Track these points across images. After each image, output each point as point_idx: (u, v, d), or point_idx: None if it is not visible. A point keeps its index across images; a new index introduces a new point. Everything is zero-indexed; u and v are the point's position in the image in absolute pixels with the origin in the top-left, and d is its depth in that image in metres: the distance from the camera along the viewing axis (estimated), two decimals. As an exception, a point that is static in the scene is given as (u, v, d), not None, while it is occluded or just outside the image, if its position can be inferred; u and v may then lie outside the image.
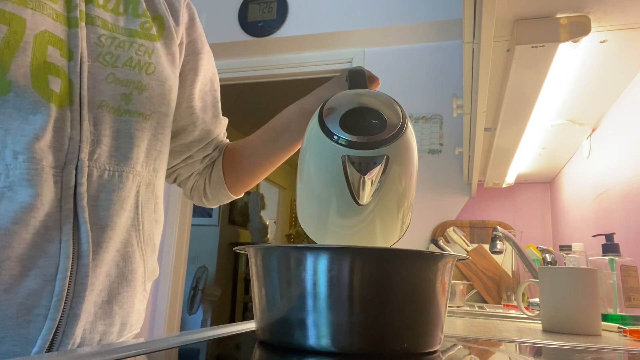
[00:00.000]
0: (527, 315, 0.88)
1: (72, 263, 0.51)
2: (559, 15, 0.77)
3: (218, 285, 4.48)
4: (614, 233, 1.00)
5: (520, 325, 0.88)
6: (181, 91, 0.71)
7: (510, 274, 1.87)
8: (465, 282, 1.54)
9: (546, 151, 1.61)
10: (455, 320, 0.94)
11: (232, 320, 4.78)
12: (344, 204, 0.46)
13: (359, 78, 0.58)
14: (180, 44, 0.70)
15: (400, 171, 0.46)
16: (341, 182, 0.44)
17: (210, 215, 4.65)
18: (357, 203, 0.45)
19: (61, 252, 0.51)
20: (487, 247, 1.89)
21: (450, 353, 0.45)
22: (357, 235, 0.49)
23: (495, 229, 1.42)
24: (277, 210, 5.72)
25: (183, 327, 4.07)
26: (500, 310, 1.29)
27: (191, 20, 0.73)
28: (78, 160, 0.53)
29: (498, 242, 1.41)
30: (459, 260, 0.45)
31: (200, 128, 0.74)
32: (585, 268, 0.76)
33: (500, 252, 1.40)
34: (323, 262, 0.39)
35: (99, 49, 0.57)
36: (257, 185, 5.16)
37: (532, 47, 0.80)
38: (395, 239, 0.51)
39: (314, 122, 0.48)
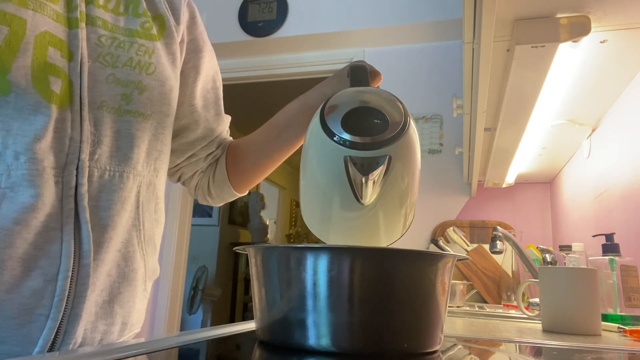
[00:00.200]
0: (527, 315, 0.88)
1: (73, 263, 0.52)
2: (559, 15, 0.77)
3: (218, 285, 4.48)
4: (614, 233, 1.01)
5: (520, 325, 0.88)
6: (183, 90, 0.71)
7: (510, 274, 1.87)
8: (465, 282, 1.54)
9: (546, 151, 1.61)
10: (455, 320, 0.94)
11: (232, 320, 4.78)
12: (347, 202, 0.46)
13: (360, 74, 0.57)
14: (181, 42, 0.70)
15: (403, 169, 0.46)
16: (343, 181, 0.44)
17: (210, 215, 4.65)
18: (360, 203, 0.45)
19: (62, 252, 0.51)
20: (487, 247, 1.89)
21: (450, 353, 0.45)
22: (360, 230, 0.49)
23: (495, 229, 1.43)
24: (277, 210, 5.72)
25: (183, 327, 4.08)
26: (500, 310, 1.29)
27: (192, 18, 0.73)
28: (79, 160, 0.53)
29: (498, 242, 1.41)
30: (459, 260, 0.45)
31: (203, 126, 0.74)
32: (585, 268, 0.76)
33: (500, 252, 1.40)
34: (323, 262, 0.39)
35: (99, 49, 0.57)
36: (257, 185, 5.16)
37: (532, 47, 0.80)
38: (398, 235, 0.51)
39: (315, 121, 0.48)
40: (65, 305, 0.51)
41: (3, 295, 0.48)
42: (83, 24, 0.57)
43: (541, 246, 1.41)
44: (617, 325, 0.81)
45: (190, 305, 4.18)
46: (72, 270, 0.52)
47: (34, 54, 0.51)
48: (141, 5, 0.65)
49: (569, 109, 1.24)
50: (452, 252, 0.67)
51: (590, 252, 1.18)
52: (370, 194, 0.44)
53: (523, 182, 2.09)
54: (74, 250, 0.52)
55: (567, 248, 1.25)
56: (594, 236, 1.16)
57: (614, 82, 1.07)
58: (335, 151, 0.44)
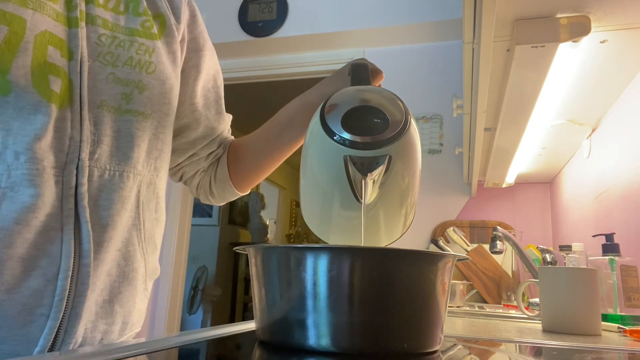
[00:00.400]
0: (527, 315, 0.88)
1: (73, 262, 0.52)
2: (559, 15, 0.77)
3: (218, 285, 4.48)
4: (614, 233, 1.01)
5: (520, 325, 0.88)
6: (183, 89, 0.71)
7: (510, 274, 1.87)
8: (465, 282, 1.54)
9: (546, 151, 1.61)
10: (455, 320, 0.94)
11: (232, 320, 4.78)
12: (346, 201, 0.46)
13: (361, 72, 0.57)
14: (182, 41, 0.70)
15: (404, 169, 0.46)
16: (343, 180, 0.44)
17: (210, 215, 4.65)
18: (359, 202, 0.45)
19: (62, 251, 0.51)
20: (487, 247, 1.89)
21: (450, 353, 0.45)
22: (360, 229, 0.49)
23: (495, 229, 1.43)
24: (277, 210, 5.72)
25: (183, 327, 4.07)
26: (500, 310, 1.29)
27: (192, 17, 0.73)
28: (79, 160, 0.53)
29: (498, 242, 1.41)
30: (459, 260, 0.45)
31: (204, 125, 0.74)
32: (585, 268, 0.76)
33: (500, 252, 1.40)
34: (323, 262, 0.39)
35: (99, 48, 0.57)
36: (257, 185, 5.16)
37: (532, 47, 0.80)
38: (398, 234, 0.51)
39: (315, 120, 0.47)
40: (66, 305, 0.51)
41: (3, 295, 0.48)
42: (83, 23, 0.57)
43: (541, 246, 1.41)
44: (617, 325, 0.81)
45: (190, 305, 4.18)
46: (72, 270, 0.52)
47: (34, 54, 0.51)
48: (141, 4, 0.65)
49: (569, 109, 1.24)
50: (452, 252, 0.67)
51: (590, 252, 1.18)
52: (369, 193, 0.44)
53: (523, 182, 2.09)
54: (74, 250, 0.52)
55: (567, 248, 1.25)
56: (594, 236, 1.16)
57: (614, 82, 1.07)
58: (335, 150, 0.44)
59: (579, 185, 1.61)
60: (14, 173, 0.49)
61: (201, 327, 3.93)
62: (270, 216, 5.46)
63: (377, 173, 0.44)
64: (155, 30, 0.64)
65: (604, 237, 1.03)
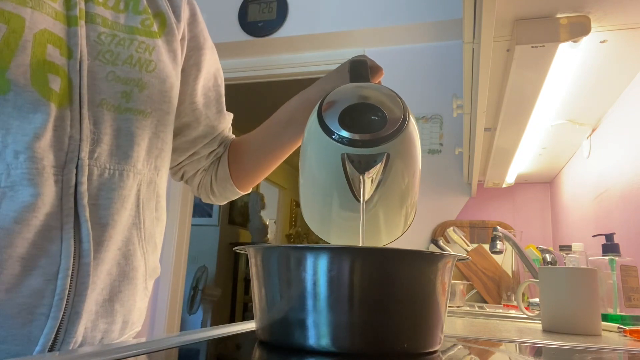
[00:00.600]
0: (527, 315, 0.88)
1: (73, 262, 0.52)
2: (559, 15, 0.77)
3: (218, 285, 4.48)
4: (614, 233, 1.01)
5: (520, 325, 0.88)
6: (184, 87, 0.71)
7: (510, 274, 1.87)
8: (465, 282, 1.54)
9: (546, 151, 1.61)
10: (455, 320, 0.94)
11: (232, 320, 4.78)
12: (346, 200, 0.46)
13: (361, 69, 0.56)
14: (182, 39, 0.70)
15: (403, 167, 0.46)
16: (341, 178, 0.44)
17: (210, 215, 4.64)
18: (357, 201, 0.45)
19: (62, 251, 0.51)
20: (487, 247, 1.89)
21: (450, 353, 0.45)
22: (360, 229, 0.49)
23: (495, 229, 1.42)
24: (277, 210, 5.72)
25: (183, 327, 4.07)
26: (500, 310, 1.29)
27: (192, 15, 0.73)
28: (78, 159, 0.53)
29: (498, 242, 1.41)
30: (459, 260, 0.45)
31: (204, 124, 0.74)
32: (585, 268, 0.76)
33: (500, 252, 1.40)
34: (323, 262, 0.39)
35: (98, 47, 0.57)
36: (257, 185, 5.16)
37: (532, 47, 0.80)
38: (399, 234, 0.51)
39: (313, 117, 0.47)
40: (66, 304, 0.51)
41: (3, 294, 0.48)
42: (82, 22, 0.56)
43: (541, 246, 1.41)
44: (617, 325, 0.81)
45: (190, 305, 4.18)
46: (72, 269, 0.51)
47: (33, 52, 0.51)
48: (141, 2, 0.64)
49: (569, 109, 1.24)
50: (452, 252, 0.67)
51: (590, 252, 1.18)
52: (368, 192, 0.44)
53: (523, 182, 2.09)
54: (74, 249, 0.52)
55: (567, 248, 1.25)
56: (594, 236, 1.16)
57: (614, 82, 1.07)
58: (332, 149, 0.44)
59: (579, 185, 1.61)
60: (13, 172, 0.49)
61: (201, 327, 3.93)
62: (270, 216, 5.46)
63: (375, 171, 0.43)
64: (155, 28, 0.64)
65: (604, 237, 1.03)
